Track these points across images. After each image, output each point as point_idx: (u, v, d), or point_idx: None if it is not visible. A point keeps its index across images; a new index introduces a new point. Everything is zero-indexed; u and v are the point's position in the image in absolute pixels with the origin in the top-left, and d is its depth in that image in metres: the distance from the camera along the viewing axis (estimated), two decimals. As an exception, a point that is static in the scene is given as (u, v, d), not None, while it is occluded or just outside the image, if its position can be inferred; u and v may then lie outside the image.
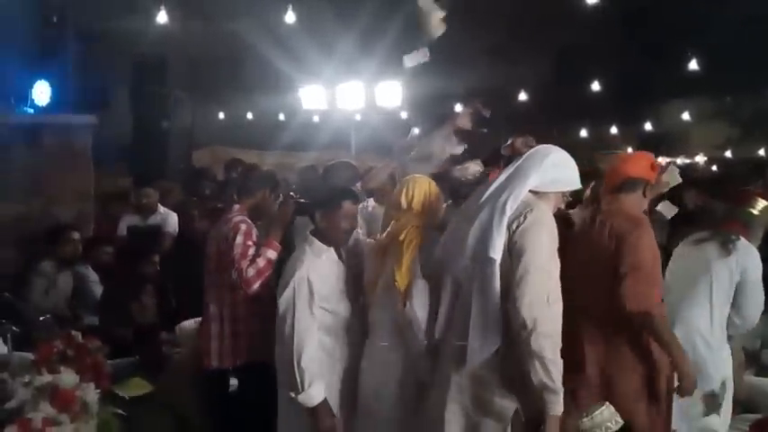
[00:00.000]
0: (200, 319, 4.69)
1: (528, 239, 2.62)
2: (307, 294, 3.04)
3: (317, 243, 3.15)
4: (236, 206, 3.78)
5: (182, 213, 5.98)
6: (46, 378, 2.53)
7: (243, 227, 3.60)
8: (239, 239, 3.55)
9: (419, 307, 3.01)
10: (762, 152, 15.37)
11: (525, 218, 2.65)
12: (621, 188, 3.11)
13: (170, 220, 5.90)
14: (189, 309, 4.80)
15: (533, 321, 2.55)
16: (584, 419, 2.73)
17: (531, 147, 3.14)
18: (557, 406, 2.58)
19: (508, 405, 2.70)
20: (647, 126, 16.66)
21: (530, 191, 2.72)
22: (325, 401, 3.05)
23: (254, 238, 3.61)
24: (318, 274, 3.09)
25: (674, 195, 6.74)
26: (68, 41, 6.02)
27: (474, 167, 3.70)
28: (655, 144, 17.37)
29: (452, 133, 3.93)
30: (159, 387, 3.48)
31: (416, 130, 4.46)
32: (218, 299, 3.74)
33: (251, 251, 3.55)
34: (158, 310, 5.17)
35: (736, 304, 3.53)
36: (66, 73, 5.92)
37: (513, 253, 2.63)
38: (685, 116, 15.69)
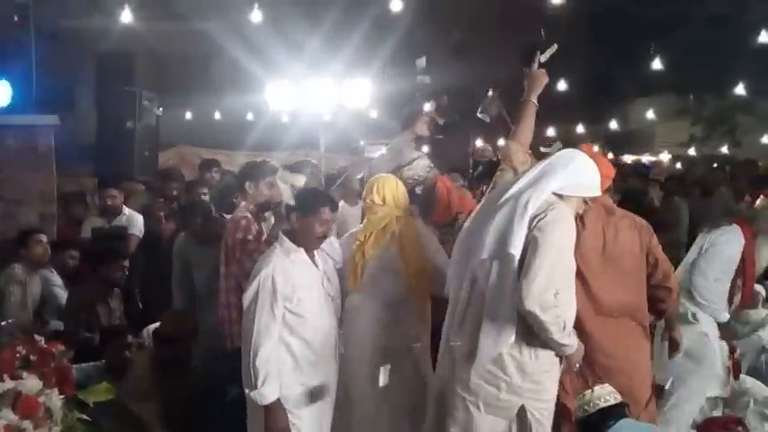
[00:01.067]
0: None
1: (544, 234, 2.73)
2: (270, 292, 3.07)
3: (288, 242, 3.19)
4: (243, 204, 4.04)
5: (147, 215, 5.90)
6: (8, 384, 2.48)
7: (242, 222, 3.88)
8: (239, 235, 3.84)
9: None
10: (724, 149, 15.67)
11: (546, 215, 2.76)
12: None
13: (135, 221, 5.81)
14: (156, 311, 4.75)
15: (539, 313, 2.67)
16: (586, 392, 2.82)
17: (487, 156, 3.51)
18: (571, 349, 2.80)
19: (515, 401, 2.81)
20: (613, 125, 16.86)
21: (553, 193, 2.84)
22: (277, 402, 3.04)
23: (254, 232, 3.86)
24: (284, 274, 3.12)
25: (639, 192, 6.88)
26: (30, 41, 5.90)
27: (422, 162, 3.84)
28: (620, 142, 17.63)
29: (412, 140, 4.16)
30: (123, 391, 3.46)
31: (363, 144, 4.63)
32: (227, 289, 3.97)
33: (250, 245, 3.81)
34: (125, 313, 5.11)
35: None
36: (28, 73, 5.81)
37: (530, 248, 2.74)
38: (650, 115, 15.91)
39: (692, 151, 16.30)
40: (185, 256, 4.57)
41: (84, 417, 2.79)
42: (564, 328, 2.75)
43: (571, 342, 2.80)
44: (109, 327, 4.71)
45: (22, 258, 4.91)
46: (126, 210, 5.89)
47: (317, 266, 3.24)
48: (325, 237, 3.25)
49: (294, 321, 3.13)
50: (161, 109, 6.86)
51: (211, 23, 12.95)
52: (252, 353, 3.02)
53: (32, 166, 5.51)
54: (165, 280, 4.64)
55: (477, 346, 2.77)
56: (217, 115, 15.15)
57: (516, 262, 2.74)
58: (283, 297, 3.08)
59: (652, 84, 14.03)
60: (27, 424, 2.36)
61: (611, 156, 17.66)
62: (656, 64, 11.20)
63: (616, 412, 2.80)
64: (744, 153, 13.68)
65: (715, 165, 11.79)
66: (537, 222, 2.75)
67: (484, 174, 4.05)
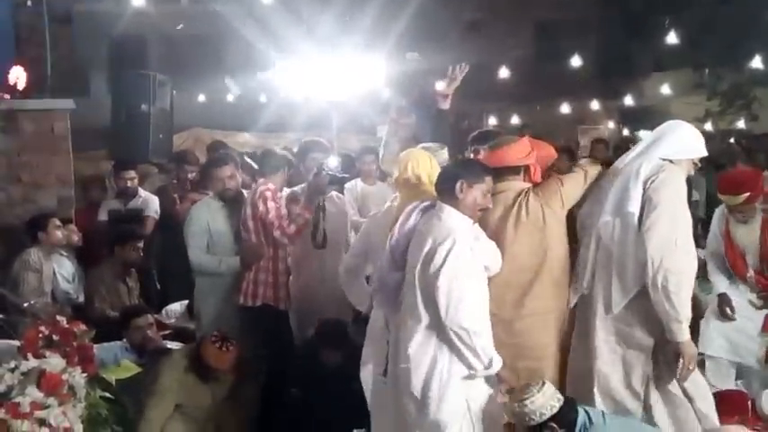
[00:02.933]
0: (185, 302, 4.72)
1: (658, 193, 3.14)
2: (468, 265, 3.13)
3: (456, 213, 3.17)
4: (261, 179, 4.35)
5: (162, 197, 5.96)
6: (32, 363, 2.55)
7: (267, 193, 4.21)
8: (270, 204, 4.16)
9: None
10: (741, 124, 15.48)
11: (657, 176, 3.18)
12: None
13: (151, 203, 5.88)
14: (173, 291, 4.82)
15: (660, 259, 3.04)
16: (526, 402, 2.89)
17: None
18: (683, 333, 3.08)
19: (647, 339, 3.21)
20: (628, 100, 16.69)
21: (663, 158, 3.27)
22: None
23: (278, 199, 4.25)
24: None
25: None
26: (44, 24, 5.93)
27: (444, 155, 3.78)
28: (636, 118, 17.45)
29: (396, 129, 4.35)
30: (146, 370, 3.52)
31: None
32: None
33: (282, 210, 4.21)
34: (143, 293, 5.19)
35: None
36: (43, 57, 5.85)
37: (646, 206, 3.15)
38: (665, 90, 15.70)
39: (708, 126, 16.13)
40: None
41: (107, 394, 2.87)
42: (685, 280, 3.06)
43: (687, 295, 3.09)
44: (128, 307, 4.78)
45: (38, 242, 4.93)
46: (141, 192, 5.95)
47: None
48: (487, 208, 3.19)
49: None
50: (175, 92, 6.88)
51: (223, 4, 12.93)
52: (474, 332, 2.96)
53: (49, 150, 5.55)
54: (182, 261, 4.69)
55: (611, 296, 3.18)
56: (229, 97, 15.17)
57: (636, 219, 3.14)
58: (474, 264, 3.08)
59: (667, 59, 13.86)
60: (52, 401, 2.43)
61: (626, 132, 17.56)
62: (672, 38, 11.05)
63: (569, 413, 2.90)
64: (761, 127, 13.52)
65: (732, 139, 11.68)
66: (650, 184, 3.16)
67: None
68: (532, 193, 3.33)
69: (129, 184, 5.80)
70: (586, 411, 2.99)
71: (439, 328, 3.02)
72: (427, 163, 3.48)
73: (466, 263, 3.00)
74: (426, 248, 3.02)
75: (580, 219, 3.40)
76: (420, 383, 3.04)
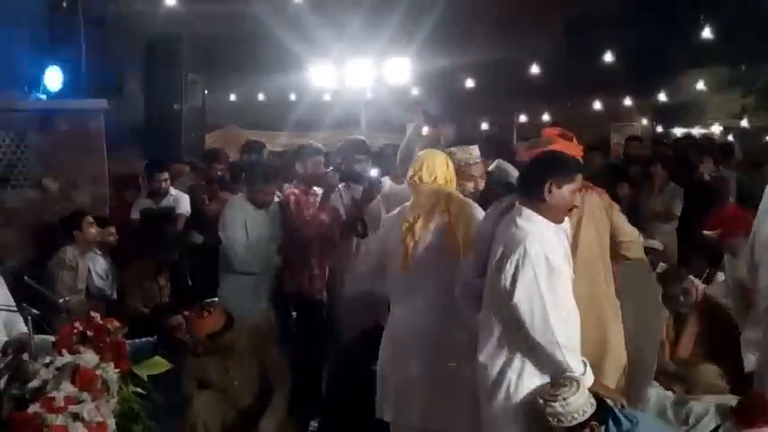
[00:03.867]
0: (215, 299, 4.79)
1: None
2: (547, 269, 2.98)
3: (536, 216, 2.99)
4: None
5: (193, 195, 6.04)
6: (66, 358, 2.60)
7: (291, 197, 4.72)
8: (292, 208, 4.69)
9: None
10: (778, 121, 15.18)
11: None
12: None
13: (182, 202, 5.96)
14: (204, 289, 4.87)
15: None
16: (560, 402, 2.74)
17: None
18: None
19: None
20: (662, 97, 16.45)
21: None
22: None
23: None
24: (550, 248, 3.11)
25: (689, 166, 6.73)
26: (79, 26, 6.03)
27: (476, 151, 3.79)
28: (670, 115, 17.20)
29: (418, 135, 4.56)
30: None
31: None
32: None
33: (305, 212, 4.69)
34: (175, 291, 5.26)
35: None
36: (78, 58, 5.94)
37: None
38: (700, 86, 15.48)
39: (744, 123, 15.83)
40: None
41: (140, 390, 2.91)
42: None
43: None
44: (160, 305, 4.84)
45: (73, 240, 5.00)
46: (172, 190, 6.03)
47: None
48: (575, 207, 3.02)
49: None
50: (206, 91, 6.96)
51: (254, 4, 13.02)
52: (553, 340, 2.78)
53: (84, 149, 5.65)
54: (213, 259, 4.76)
55: None
56: (260, 96, 15.29)
57: None
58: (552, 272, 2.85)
59: (702, 54, 13.62)
60: (86, 396, 2.47)
61: (660, 129, 17.31)
62: (707, 34, 10.89)
63: (604, 415, 2.77)
64: (798, 124, 13.25)
65: (768, 137, 11.45)
66: None
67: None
68: (595, 193, 3.30)
69: (162, 184, 5.88)
70: (621, 413, 2.90)
71: (509, 339, 2.86)
72: (443, 164, 3.46)
73: (541, 272, 2.77)
74: (497, 256, 2.86)
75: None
76: (489, 395, 2.92)
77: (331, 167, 4.94)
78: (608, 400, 2.89)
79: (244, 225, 4.54)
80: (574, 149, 3.40)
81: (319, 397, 4.35)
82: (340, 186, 4.80)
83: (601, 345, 3.27)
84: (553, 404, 2.75)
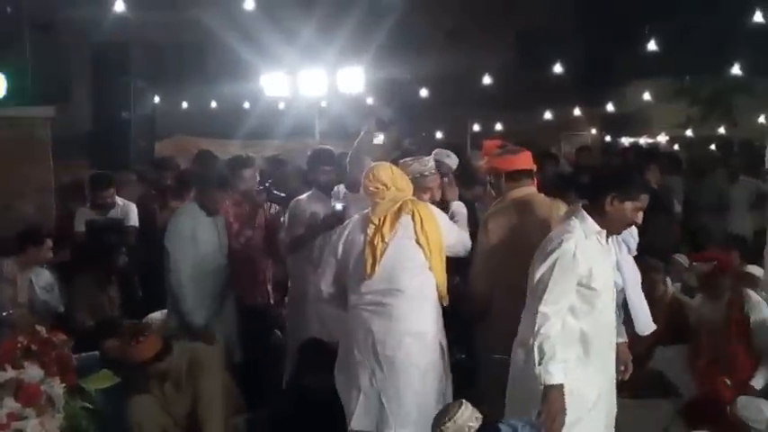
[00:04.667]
0: (165, 310, 4.70)
1: None
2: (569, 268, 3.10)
3: (590, 222, 3.07)
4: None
5: (143, 206, 5.93)
6: (9, 374, 2.52)
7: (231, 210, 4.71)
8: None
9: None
10: (722, 130, 15.67)
11: None
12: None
13: (130, 213, 5.85)
14: (155, 300, 4.79)
15: None
16: (448, 423, 2.78)
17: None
18: None
19: None
20: (610, 107, 16.84)
21: None
22: (561, 385, 2.89)
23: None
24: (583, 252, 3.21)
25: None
26: (24, 32, 5.88)
27: (431, 162, 3.85)
28: (618, 125, 17.61)
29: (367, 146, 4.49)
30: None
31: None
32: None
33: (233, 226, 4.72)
34: (125, 302, 5.15)
35: None
36: (23, 65, 5.79)
37: None
38: (647, 96, 15.89)
39: (689, 133, 16.30)
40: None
41: (87, 404, 2.83)
42: None
43: None
44: (100, 323, 4.68)
45: (23, 253, 4.86)
46: (119, 200, 5.92)
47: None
48: (634, 223, 3.10)
49: (585, 307, 3.01)
50: (157, 99, 6.85)
51: (205, 12, 12.91)
52: (538, 322, 2.89)
53: (29, 157, 5.52)
54: (163, 268, 4.66)
55: None
56: (213, 104, 15.13)
57: None
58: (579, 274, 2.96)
59: (648, 66, 14.00)
60: (29, 411, 2.40)
61: (608, 138, 17.71)
62: (652, 45, 11.18)
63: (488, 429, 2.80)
64: (741, 133, 13.69)
65: (713, 146, 11.80)
66: None
67: None
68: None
69: (108, 201, 5.76)
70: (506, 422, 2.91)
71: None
72: (388, 171, 3.50)
73: (562, 265, 2.90)
74: (539, 275, 2.96)
75: None
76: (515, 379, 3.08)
77: (262, 187, 4.98)
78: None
79: (192, 234, 4.43)
80: (521, 160, 3.56)
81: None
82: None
83: None
84: (443, 427, 2.78)
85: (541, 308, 2.89)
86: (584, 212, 3.00)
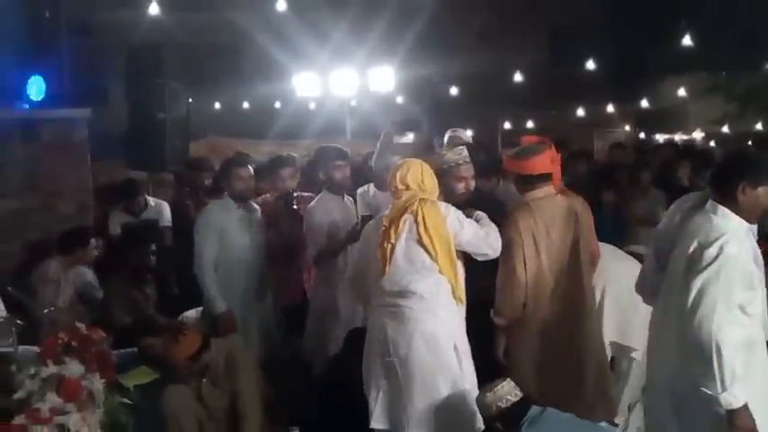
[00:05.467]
0: (201, 308, 4.77)
1: None
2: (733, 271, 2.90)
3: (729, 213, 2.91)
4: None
5: (177, 204, 6.01)
6: (51, 369, 2.59)
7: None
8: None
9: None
10: (759, 126, 15.38)
11: None
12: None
13: (164, 212, 5.94)
14: (190, 298, 4.86)
15: None
16: (488, 394, 3.08)
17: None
18: None
19: None
20: (644, 103, 16.62)
21: None
22: (746, 404, 2.70)
23: None
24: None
25: (670, 171, 6.80)
26: (61, 36, 6.00)
27: (465, 152, 3.82)
28: (652, 121, 17.38)
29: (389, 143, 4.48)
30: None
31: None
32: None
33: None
34: (161, 300, 5.23)
35: None
36: (61, 67, 5.91)
37: None
38: (681, 92, 15.66)
39: (725, 129, 16.03)
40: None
41: (125, 400, 2.90)
42: None
43: None
44: (141, 319, 4.77)
45: (67, 254, 4.94)
46: (152, 200, 6.01)
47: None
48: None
49: (749, 309, 2.84)
50: (191, 100, 6.94)
51: (238, 13, 13.03)
52: (715, 344, 2.65)
53: (68, 158, 5.60)
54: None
55: None
56: (245, 104, 15.29)
57: None
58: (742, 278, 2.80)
59: (683, 61, 13.79)
60: (71, 407, 2.46)
61: (642, 135, 17.48)
62: (687, 41, 11.01)
63: (522, 408, 3.04)
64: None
65: (749, 142, 11.58)
66: None
67: None
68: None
69: (139, 206, 5.90)
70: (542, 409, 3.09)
71: (685, 338, 2.77)
72: (415, 170, 3.48)
73: (734, 269, 2.72)
74: (689, 251, 2.78)
75: None
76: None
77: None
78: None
79: (221, 226, 4.47)
80: (533, 165, 3.53)
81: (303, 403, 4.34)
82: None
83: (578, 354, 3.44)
84: (484, 396, 3.07)
85: (714, 327, 2.65)
86: (724, 208, 2.80)
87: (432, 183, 3.50)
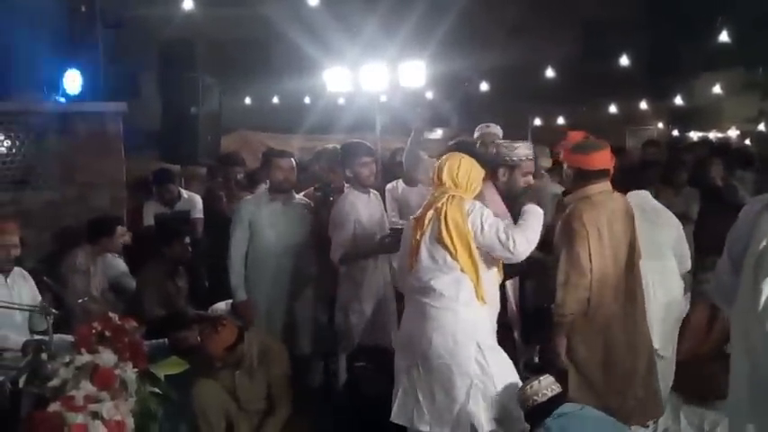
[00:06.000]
0: (230, 300, 4.82)
1: None
2: None
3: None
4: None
5: (210, 197, 6.08)
6: (86, 357, 2.63)
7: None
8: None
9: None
10: (796, 124, 15.06)
11: None
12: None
13: (195, 203, 6.01)
14: (221, 290, 4.91)
15: None
16: (527, 388, 3.18)
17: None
18: None
19: None
20: (678, 100, 16.35)
21: None
22: None
23: None
24: None
25: (703, 170, 6.69)
26: (97, 30, 6.09)
27: (525, 150, 3.81)
28: (686, 118, 17.10)
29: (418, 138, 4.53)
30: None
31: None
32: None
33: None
34: (192, 292, 5.29)
35: None
36: (96, 61, 6.00)
37: None
38: (717, 89, 15.38)
39: (761, 127, 15.70)
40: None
41: (156, 390, 2.94)
42: None
43: None
44: (175, 313, 4.82)
45: (96, 244, 5.03)
46: (185, 193, 6.08)
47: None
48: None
49: None
50: (222, 94, 7.00)
51: (270, 8, 13.08)
52: None
53: (103, 151, 5.70)
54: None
55: None
56: (275, 99, 15.35)
57: None
58: None
59: (719, 57, 13.54)
60: (104, 395, 2.50)
61: (675, 132, 17.21)
62: (723, 37, 10.81)
63: (556, 403, 3.14)
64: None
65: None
66: None
67: None
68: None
69: (169, 195, 5.95)
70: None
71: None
72: (452, 165, 3.45)
73: None
74: (761, 248, 2.59)
75: None
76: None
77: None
78: None
79: (251, 219, 4.54)
80: (592, 160, 3.58)
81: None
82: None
83: (634, 350, 3.43)
84: (524, 389, 3.18)
85: None
86: None
87: (466, 179, 3.44)
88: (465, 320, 3.36)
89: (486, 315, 3.43)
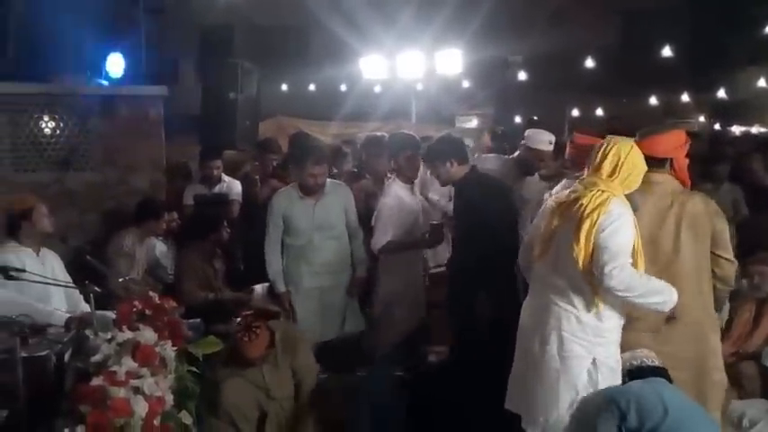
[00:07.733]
0: (267, 284, 4.88)
1: None
2: None
3: None
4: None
5: (246, 182, 6.14)
6: (128, 335, 2.70)
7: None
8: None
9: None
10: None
11: None
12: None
13: (234, 188, 6.08)
14: (256, 273, 4.98)
15: None
16: (628, 353, 3.15)
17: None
18: None
19: None
20: (721, 93, 16.01)
21: None
22: None
23: None
24: None
25: (745, 165, 6.56)
26: (140, 15, 6.17)
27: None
28: (729, 112, 16.74)
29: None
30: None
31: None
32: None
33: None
34: (228, 274, 5.37)
35: None
36: (138, 45, 6.08)
37: None
38: (761, 83, 15.01)
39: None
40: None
41: (194, 369, 3.01)
42: None
43: None
44: (214, 308, 4.84)
45: (141, 226, 5.11)
46: (225, 177, 6.15)
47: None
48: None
49: None
50: (260, 80, 7.04)
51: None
52: None
53: (143, 134, 5.78)
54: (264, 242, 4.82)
55: None
56: (311, 86, 15.40)
57: None
58: None
59: (764, 51, 13.22)
60: (145, 371, 2.57)
61: (717, 126, 16.85)
62: (769, 29, 10.55)
63: (649, 372, 3.09)
64: None
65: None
66: None
67: None
68: (699, 197, 3.27)
69: (215, 171, 6.00)
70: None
71: None
72: (622, 154, 3.04)
73: None
74: None
75: None
76: None
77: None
78: None
79: (284, 213, 4.55)
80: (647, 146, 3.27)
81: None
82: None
83: (700, 362, 3.27)
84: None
85: None
86: None
87: (625, 173, 3.04)
88: (584, 329, 3.06)
89: (613, 328, 3.12)
